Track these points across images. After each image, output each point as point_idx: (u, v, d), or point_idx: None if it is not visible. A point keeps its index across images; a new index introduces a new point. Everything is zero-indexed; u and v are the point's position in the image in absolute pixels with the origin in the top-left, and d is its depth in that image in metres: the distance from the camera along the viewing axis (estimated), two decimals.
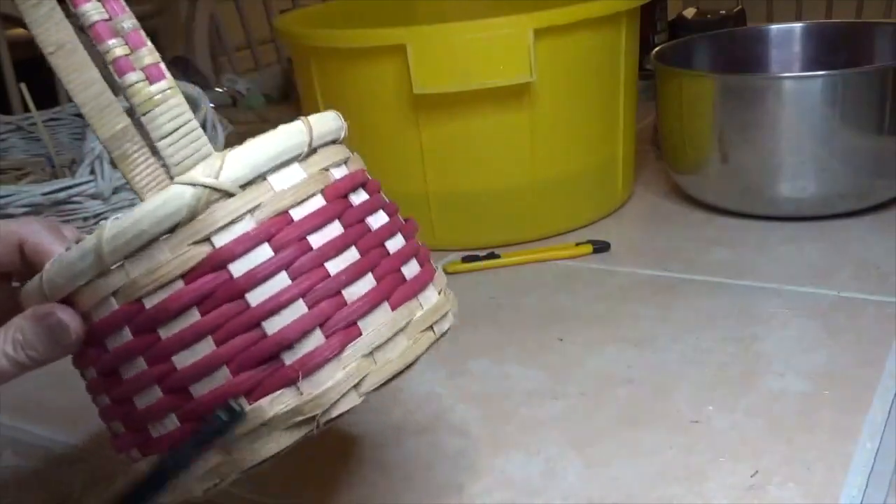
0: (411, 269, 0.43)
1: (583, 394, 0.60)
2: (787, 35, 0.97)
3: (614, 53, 0.85)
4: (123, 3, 0.39)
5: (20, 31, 1.37)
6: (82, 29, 0.39)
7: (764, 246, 0.79)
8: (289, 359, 0.38)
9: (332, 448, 0.57)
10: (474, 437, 0.56)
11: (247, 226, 0.38)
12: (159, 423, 0.39)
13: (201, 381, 0.38)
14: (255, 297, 0.38)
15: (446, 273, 0.80)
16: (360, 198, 0.43)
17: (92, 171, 0.73)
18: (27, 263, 0.44)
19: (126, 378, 0.39)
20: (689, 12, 1.26)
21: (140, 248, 0.37)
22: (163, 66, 0.39)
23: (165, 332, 0.38)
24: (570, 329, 0.68)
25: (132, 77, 0.38)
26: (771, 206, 0.83)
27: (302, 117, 0.42)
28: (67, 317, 0.39)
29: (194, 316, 0.38)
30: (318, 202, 0.40)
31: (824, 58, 0.95)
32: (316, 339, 0.38)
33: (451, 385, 0.63)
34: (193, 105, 0.83)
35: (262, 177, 0.39)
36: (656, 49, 0.91)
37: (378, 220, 0.43)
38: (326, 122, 0.43)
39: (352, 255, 0.40)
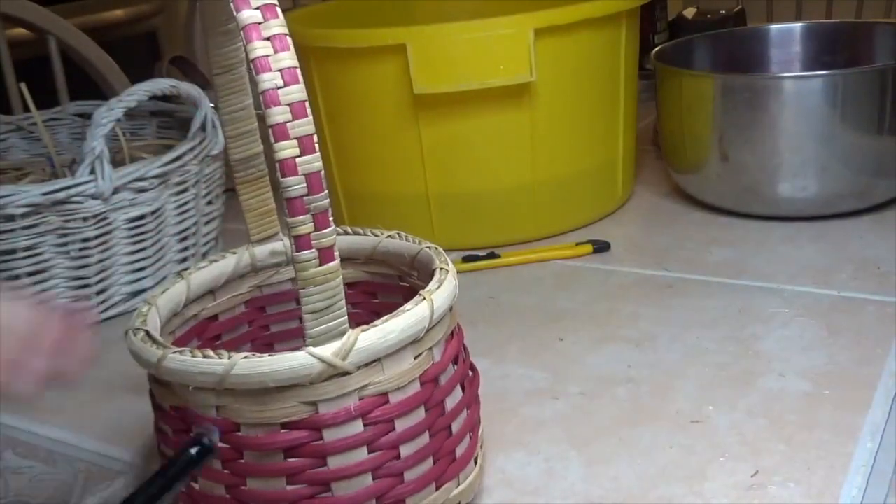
0: (463, 447, 0.48)
1: (583, 393, 0.60)
2: (787, 35, 0.97)
3: (614, 53, 0.85)
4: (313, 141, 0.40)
5: (20, 31, 1.37)
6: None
7: (764, 246, 0.79)
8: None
9: None
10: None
11: (350, 401, 0.42)
12: None
13: None
14: (335, 462, 0.43)
15: None
16: (447, 376, 0.47)
17: (92, 171, 0.73)
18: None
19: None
20: (689, 12, 1.26)
21: (259, 392, 0.41)
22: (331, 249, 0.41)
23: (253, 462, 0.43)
24: (570, 329, 0.68)
25: (307, 255, 0.40)
26: (771, 206, 0.83)
27: (427, 295, 0.45)
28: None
29: (279, 459, 0.42)
30: (415, 387, 0.44)
31: (824, 58, 0.95)
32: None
33: None
34: (194, 105, 0.83)
35: (378, 360, 0.43)
36: (656, 49, 0.91)
37: (454, 398, 0.47)
38: (446, 294, 0.46)
39: (424, 440, 0.45)
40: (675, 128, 0.88)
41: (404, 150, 0.82)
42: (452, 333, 0.48)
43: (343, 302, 0.41)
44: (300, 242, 0.39)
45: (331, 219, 0.40)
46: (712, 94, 0.82)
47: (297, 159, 0.39)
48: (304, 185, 0.39)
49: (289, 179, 0.39)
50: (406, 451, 0.44)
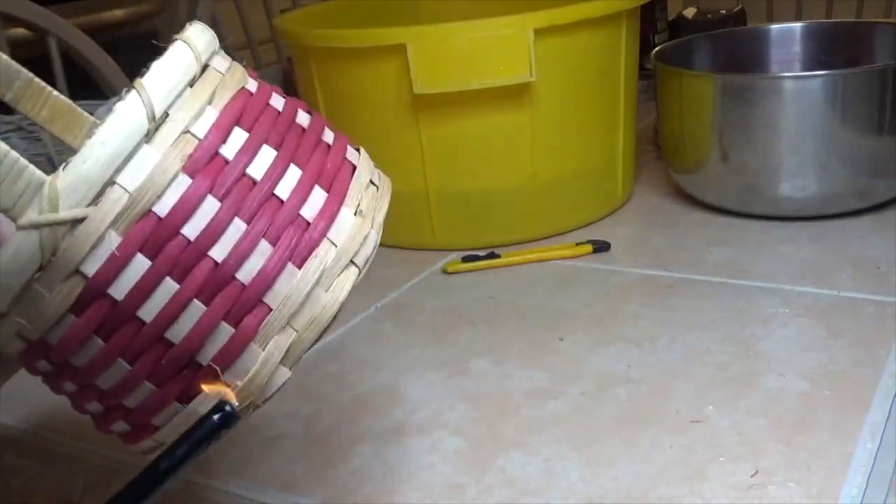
0: (314, 204, 0.39)
1: (583, 394, 0.60)
2: (787, 35, 0.97)
3: (614, 53, 0.85)
4: None
5: (20, 30, 1.37)
6: None
7: (764, 246, 0.79)
8: (204, 360, 0.37)
9: (334, 448, 0.57)
10: (474, 437, 0.56)
11: (112, 244, 0.35)
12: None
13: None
14: (147, 313, 0.36)
15: (446, 273, 0.80)
16: (237, 141, 0.38)
17: None
18: None
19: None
20: (689, 12, 1.26)
21: (17, 296, 0.35)
22: None
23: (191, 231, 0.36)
24: (570, 329, 0.68)
25: None
26: (771, 206, 0.83)
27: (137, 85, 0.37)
28: None
29: (98, 344, 0.37)
30: (184, 181, 0.36)
31: (824, 58, 0.95)
32: (225, 332, 0.37)
33: (451, 385, 0.63)
34: None
35: (109, 183, 0.35)
36: (656, 49, 0.91)
37: (263, 160, 0.38)
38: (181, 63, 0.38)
39: (237, 228, 0.37)
40: (675, 128, 0.88)
41: (404, 150, 0.82)
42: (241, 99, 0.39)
43: (14, 154, 0.34)
44: None
45: None
46: (712, 94, 0.82)
47: None
48: None
49: None
50: (219, 251, 0.37)
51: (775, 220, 0.83)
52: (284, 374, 0.38)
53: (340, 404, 0.62)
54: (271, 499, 0.53)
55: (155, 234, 0.36)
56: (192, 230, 0.36)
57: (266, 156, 0.38)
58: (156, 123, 0.36)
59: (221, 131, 0.37)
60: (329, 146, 0.41)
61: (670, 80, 0.87)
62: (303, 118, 0.42)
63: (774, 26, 0.98)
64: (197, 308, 0.36)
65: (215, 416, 0.38)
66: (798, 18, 1.63)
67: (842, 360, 0.60)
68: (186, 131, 0.37)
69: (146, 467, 0.38)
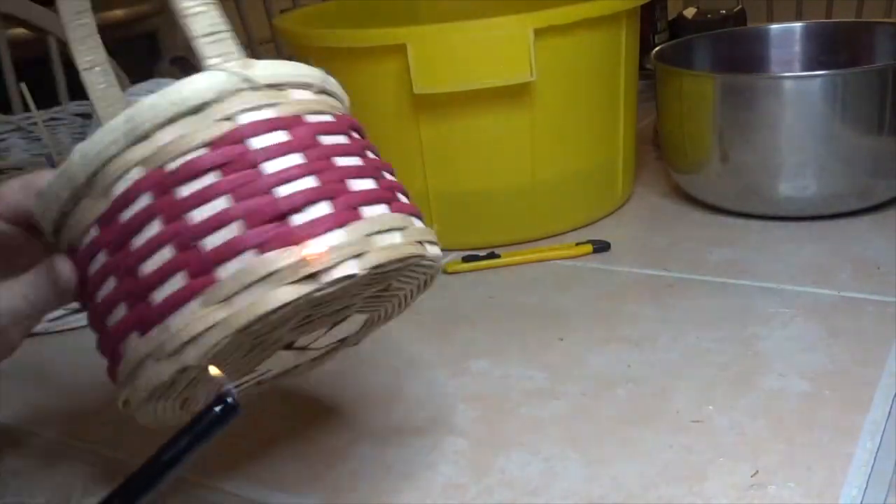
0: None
1: (583, 394, 0.60)
2: (787, 35, 0.97)
3: (614, 53, 0.85)
4: None
5: (20, 30, 1.37)
6: None
7: (764, 246, 0.79)
8: (295, 222, 0.41)
9: (334, 448, 0.57)
10: (474, 437, 0.56)
11: (268, 113, 0.43)
12: (166, 284, 0.41)
13: (213, 234, 0.41)
14: (269, 168, 0.42)
15: (446, 273, 0.80)
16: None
17: None
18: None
19: (138, 245, 0.42)
20: (689, 12, 1.27)
21: (169, 119, 0.42)
22: None
23: (186, 191, 0.42)
24: (570, 329, 0.68)
25: None
26: (771, 206, 0.83)
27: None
28: (63, 264, 0.45)
29: (214, 177, 0.42)
30: (329, 118, 0.46)
31: (824, 58, 0.95)
32: (321, 209, 0.42)
33: (451, 385, 0.63)
34: None
35: (283, 86, 0.44)
36: (656, 49, 0.91)
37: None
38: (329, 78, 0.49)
39: (356, 161, 0.45)
40: (675, 128, 0.88)
41: (404, 149, 0.82)
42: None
43: (232, 35, 0.44)
44: None
45: None
46: (712, 94, 0.82)
47: None
48: None
49: None
50: (341, 161, 0.45)
51: (775, 220, 0.83)
52: (353, 267, 0.42)
53: (340, 404, 0.62)
54: (271, 499, 0.53)
55: (300, 128, 0.44)
56: (326, 140, 0.44)
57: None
58: (319, 87, 0.47)
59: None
60: (373, 188, 0.46)
61: (670, 80, 0.87)
62: (368, 156, 0.48)
63: (774, 26, 0.98)
64: (308, 182, 0.43)
65: (217, 408, 0.38)
66: (798, 18, 1.63)
67: (842, 360, 0.60)
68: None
69: (148, 459, 0.38)
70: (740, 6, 1.24)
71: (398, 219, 0.45)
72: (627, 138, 0.90)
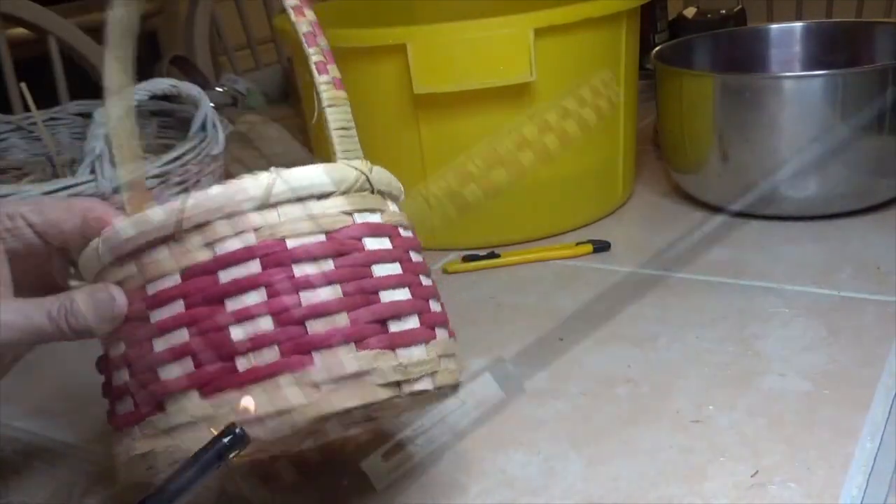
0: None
1: (583, 393, 0.60)
2: (787, 35, 0.97)
3: (614, 53, 0.85)
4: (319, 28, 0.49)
5: (20, 30, 1.37)
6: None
7: (764, 246, 0.79)
8: (392, 328, 0.43)
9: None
10: (474, 437, 0.56)
11: (376, 218, 0.45)
12: (257, 353, 0.41)
13: (318, 319, 0.42)
14: (377, 270, 0.44)
15: (446, 273, 0.80)
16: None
17: (92, 171, 0.73)
18: (87, 235, 0.46)
19: (234, 308, 0.42)
20: (690, 12, 1.26)
21: (298, 198, 0.43)
22: (339, 79, 0.49)
23: (298, 271, 0.42)
24: (570, 329, 0.68)
25: (325, 78, 0.48)
26: (771, 206, 0.83)
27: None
28: (117, 292, 0.43)
29: (327, 265, 0.43)
30: (411, 234, 0.48)
31: (824, 58, 0.95)
32: (413, 321, 0.44)
33: None
34: (194, 105, 0.83)
35: (385, 194, 0.47)
36: (656, 49, 0.91)
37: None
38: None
39: (429, 281, 0.48)
40: (675, 128, 0.88)
41: (404, 149, 0.82)
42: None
43: (354, 130, 0.47)
44: (318, 67, 0.47)
45: (332, 57, 0.49)
46: (712, 94, 0.82)
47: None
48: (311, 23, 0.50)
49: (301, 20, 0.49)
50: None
51: (775, 220, 0.83)
52: (428, 384, 0.43)
53: None
54: (272, 499, 0.53)
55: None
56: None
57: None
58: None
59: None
60: (440, 311, 0.48)
61: (670, 80, 0.87)
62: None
63: (774, 26, 0.98)
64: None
65: (225, 439, 0.38)
66: (798, 18, 1.63)
67: (842, 359, 0.60)
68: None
69: (155, 488, 0.38)
70: (740, 6, 1.24)
71: (452, 345, 0.47)
72: (627, 138, 0.90)
